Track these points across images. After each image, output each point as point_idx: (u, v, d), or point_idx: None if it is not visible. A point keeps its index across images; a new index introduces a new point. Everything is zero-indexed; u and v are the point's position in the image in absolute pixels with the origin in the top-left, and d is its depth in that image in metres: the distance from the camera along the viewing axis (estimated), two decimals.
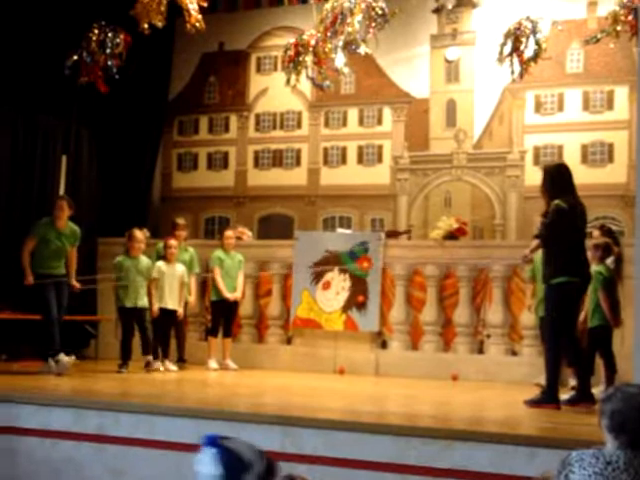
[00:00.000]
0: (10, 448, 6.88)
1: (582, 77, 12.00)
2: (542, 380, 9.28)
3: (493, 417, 7.22)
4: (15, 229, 10.89)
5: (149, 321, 10.07)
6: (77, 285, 9.65)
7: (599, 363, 8.22)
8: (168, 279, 10.16)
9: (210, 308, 10.84)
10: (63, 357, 9.11)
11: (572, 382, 8.22)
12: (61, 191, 10.97)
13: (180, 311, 10.28)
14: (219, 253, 10.64)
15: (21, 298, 10.53)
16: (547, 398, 7.26)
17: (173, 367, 10.14)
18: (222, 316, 10.57)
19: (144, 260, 10.16)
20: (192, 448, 6.31)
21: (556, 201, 7.36)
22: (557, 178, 7.56)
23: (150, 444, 6.41)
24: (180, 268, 10.31)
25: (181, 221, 10.92)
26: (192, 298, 10.63)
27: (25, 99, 11.21)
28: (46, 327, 9.24)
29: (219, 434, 2.81)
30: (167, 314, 10.18)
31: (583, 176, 11.47)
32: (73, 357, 9.37)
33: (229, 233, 10.88)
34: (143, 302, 10.00)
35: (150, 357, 9.91)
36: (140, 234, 10.22)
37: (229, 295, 10.42)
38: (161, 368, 9.97)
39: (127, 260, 10.07)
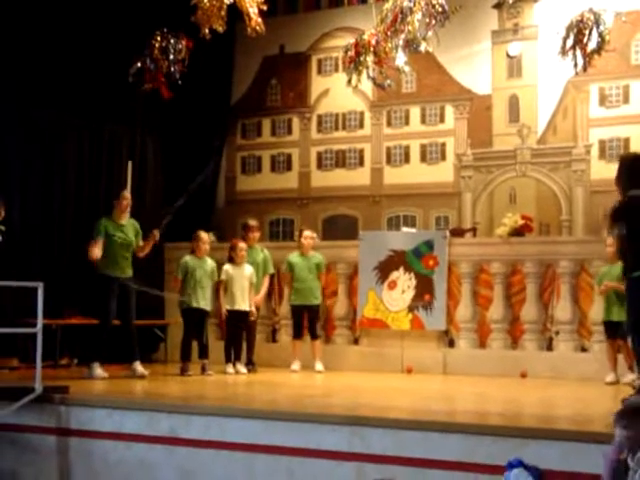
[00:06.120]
0: (85, 451, 7.03)
1: None
2: (610, 378, 9.18)
3: (563, 414, 7.17)
4: (83, 236, 11.05)
5: (216, 323, 10.13)
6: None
7: None
8: (238, 281, 10.19)
9: (291, 312, 10.86)
10: (97, 368, 9.14)
11: None
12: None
13: (253, 310, 10.30)
14: (293, 257, 10.68)
15: (90, 303, 10.70)
16: None
17: (244, 370, 10.15)
18: (302, 319, 10.62)
19: (209, 262, 10.22)
20: (261, 449, 6.40)
21: (630, 192, 7.21)
22: (633, 169, 7.39)
23: (220, 446, 6.47)
24: (248, 269, 10.32)
25: (253, 222, 10.89)
26: (258, 297, 10.56)
27: (90, 107, 11.38)
28: (98, 333, 9.31)
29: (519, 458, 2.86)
30: (239, 316, 10.22)
31: None
32: (105, 374, 9.21)
33: (308, 233, 10.81)
34: (205, 304, 10.07)
35: (206, 361, 9.96)
36: (205, 235, 10.30)
37: (297, 302, 10.54)
38: (230, 370, 10.03)
39: (193, 260, 10.14)
